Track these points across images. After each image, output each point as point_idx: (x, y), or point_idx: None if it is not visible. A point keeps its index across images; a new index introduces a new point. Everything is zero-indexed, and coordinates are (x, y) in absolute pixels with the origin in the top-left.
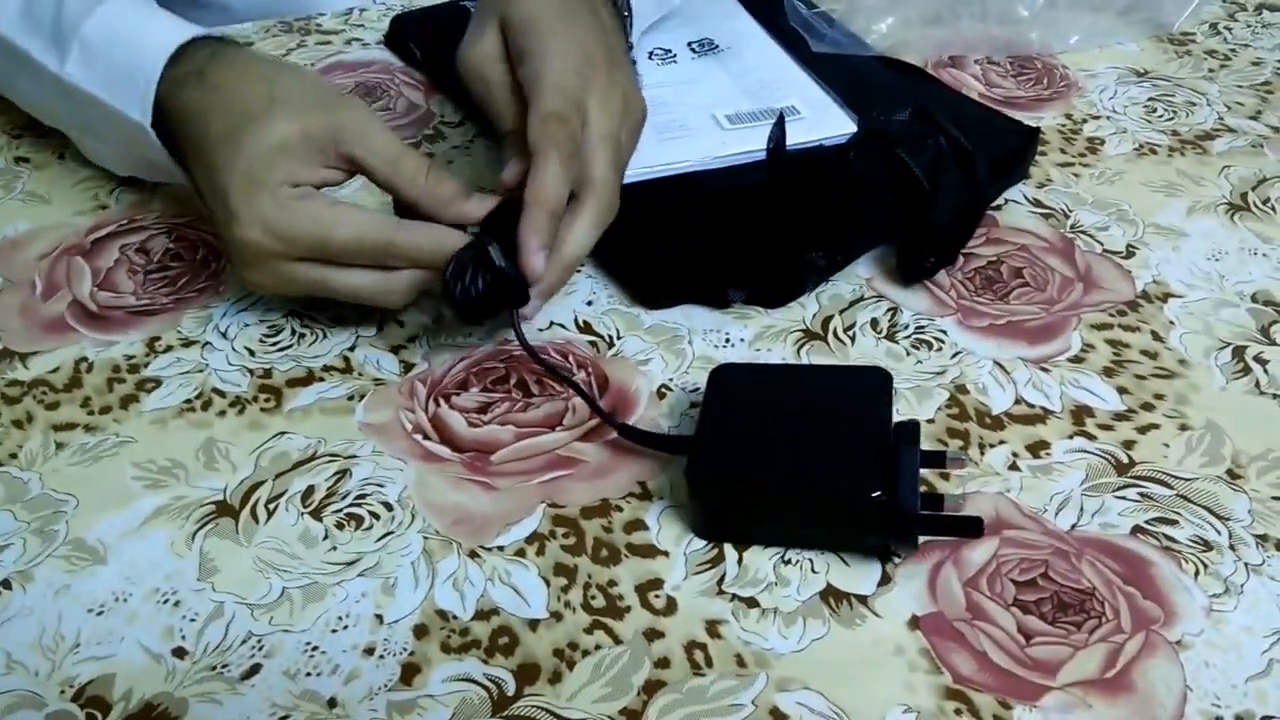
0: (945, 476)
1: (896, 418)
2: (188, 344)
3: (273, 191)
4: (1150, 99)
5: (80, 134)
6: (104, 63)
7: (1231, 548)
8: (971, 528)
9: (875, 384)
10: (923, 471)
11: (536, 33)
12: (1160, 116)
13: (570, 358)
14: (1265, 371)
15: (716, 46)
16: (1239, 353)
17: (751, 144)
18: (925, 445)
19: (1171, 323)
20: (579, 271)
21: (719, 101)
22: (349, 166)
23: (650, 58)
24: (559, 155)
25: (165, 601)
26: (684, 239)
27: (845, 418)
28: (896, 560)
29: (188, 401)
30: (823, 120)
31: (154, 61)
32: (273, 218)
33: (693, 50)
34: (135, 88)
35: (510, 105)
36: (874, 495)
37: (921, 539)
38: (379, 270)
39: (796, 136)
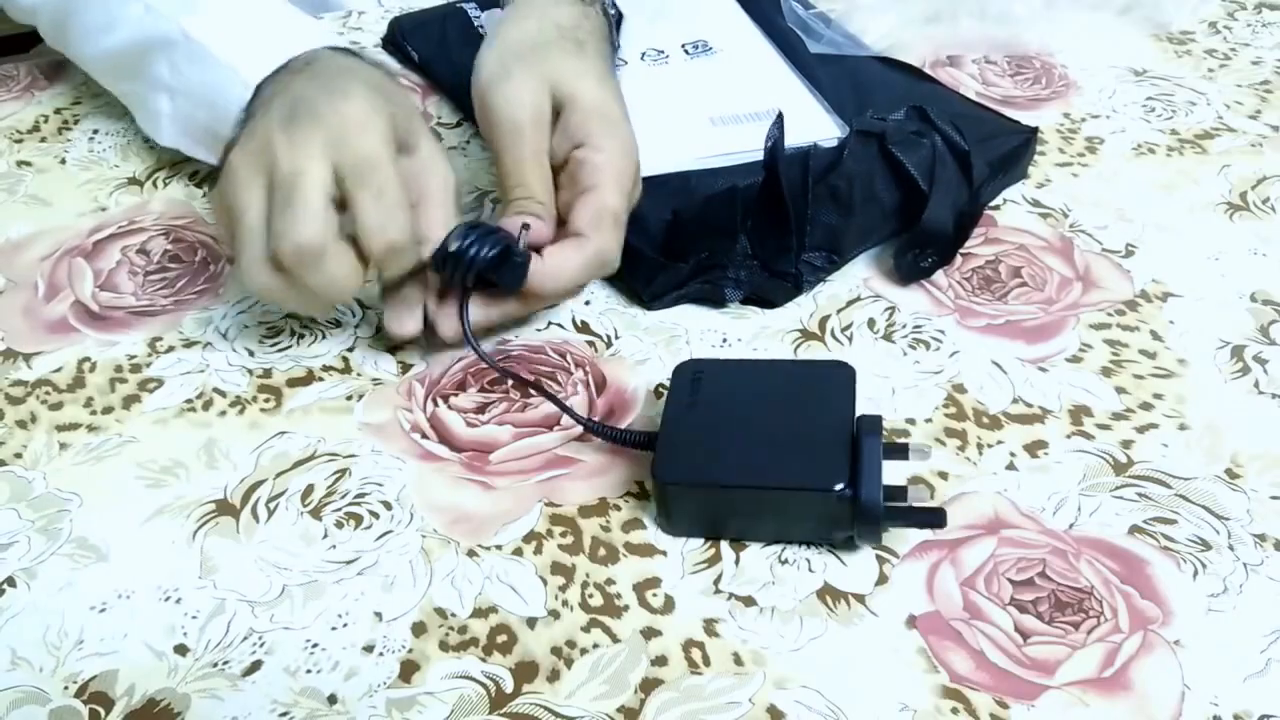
0: (944, 475)
1: (883, 414)
2: (189, 344)
3: (395, 114)
4: (1149, 98)
5: (150, 91)
6: (238, 29)
7: (1230, 547)
8: (934, 519)
9: (839, 378)
10: (917, 468)
11: (606, 123)
12: (1159, 115)
13: (568, 357)
14: (1265, 371)
15: (710, 48)
16: (1238, 352)
17: (738, 145)
18: (925, 444)
19: (1170, 322)
20: None
21: (708, 103)
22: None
23: (643, 58)
24: (595, 252)
25: (167, 599)
26: (681, 239)
27: (809, 412)
28: (894, 561)
29: (189, 401)
30: (808, 125)
31: (295, 45)
32: (378, 109)
33: (686, 51)
34: (264, 57)
35: (535, 167)
36: (838, 489)
37: (917, 536)
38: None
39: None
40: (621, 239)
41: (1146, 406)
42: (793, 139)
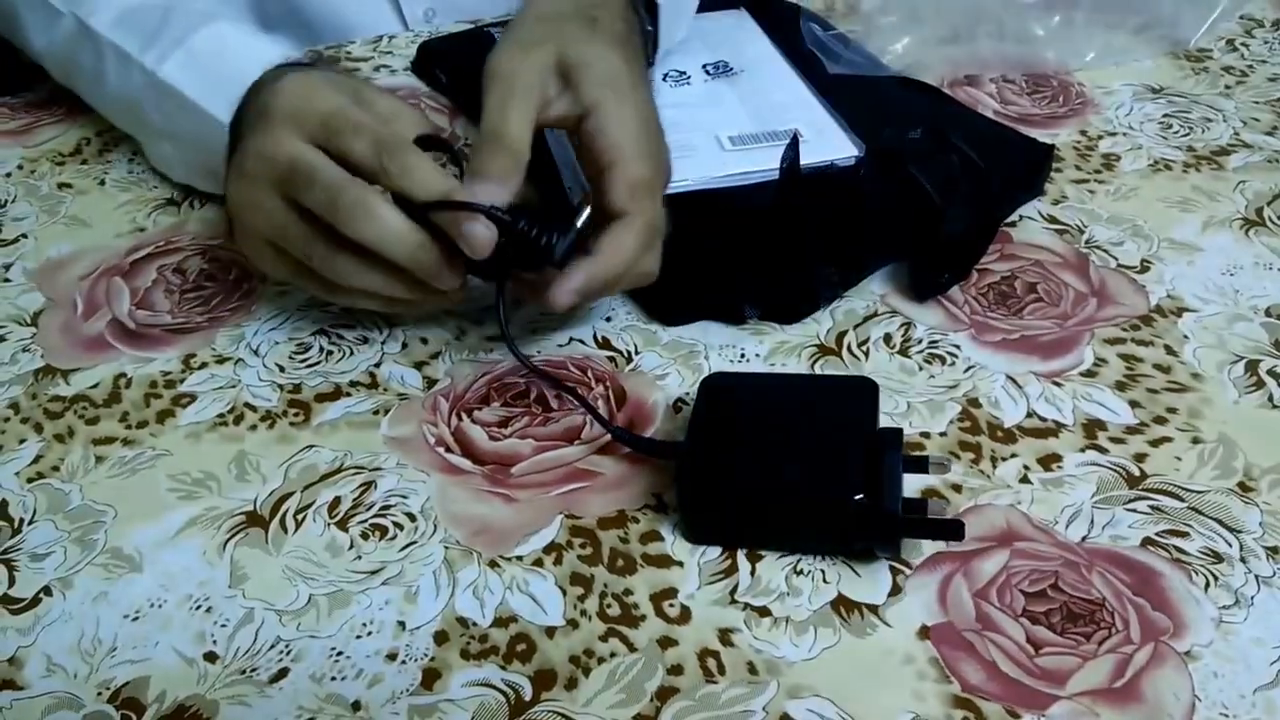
0: (958, 488)
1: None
2: (221, 361)
3: (335, 82)
4: (1166, 115)
5: (151, 135)
6: (204, 69)
7: (1242, 560)
8: (953, 531)
9: (862, 392)
10: (931, 481)
11: (614, 92)
12: (1176, 132)
13: (589, 372)
14: (1279, 385)
15: (731, 69)
16: (1252, 367)
17: (755, 165)
18: (945, 457)
19: (1185, 337)
20: None
21: (727, 123)
22: None
23: (665, 79)
24: (644, 225)
25: (198, 608)
26: (700, 257)
27: (831, 425)
28: (907, 572)
29: (221, 416)
30: (826, 145)
31: (251, 71)
32: (316, 81)
33: (707, 72)
34: (228, 91)
35: (522, 123)
36: (856, 499)
37: (931, 548)
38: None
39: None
40: (660, 205)
41: (1160, 420)
42: (811, 158)
